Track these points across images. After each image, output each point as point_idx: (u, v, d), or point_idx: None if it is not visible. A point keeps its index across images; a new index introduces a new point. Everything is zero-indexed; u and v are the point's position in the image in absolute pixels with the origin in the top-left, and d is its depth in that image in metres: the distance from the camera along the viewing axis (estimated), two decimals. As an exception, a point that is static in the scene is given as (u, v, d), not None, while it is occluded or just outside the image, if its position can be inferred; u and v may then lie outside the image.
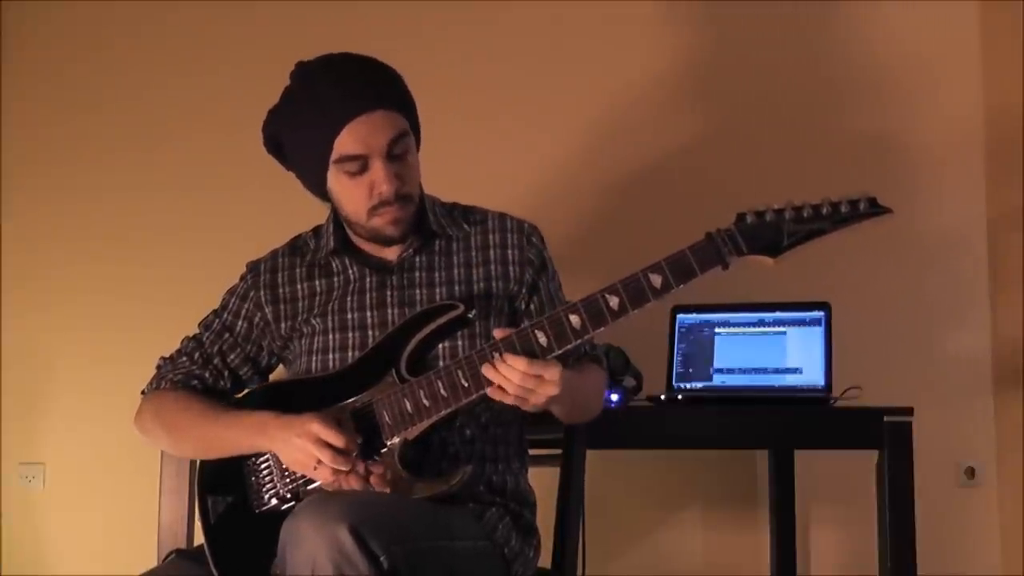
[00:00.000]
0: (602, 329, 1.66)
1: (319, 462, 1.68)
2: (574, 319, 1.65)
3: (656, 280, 1.64)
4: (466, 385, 1.68)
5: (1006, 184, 2.92)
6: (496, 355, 1.66)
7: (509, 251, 1.91)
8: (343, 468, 1.67)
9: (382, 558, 1.48)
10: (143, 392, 1.94)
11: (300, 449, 1.69)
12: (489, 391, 1.66)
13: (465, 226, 1.93)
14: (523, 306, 1.89)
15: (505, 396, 1.66)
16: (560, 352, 1.67)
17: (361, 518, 1.48)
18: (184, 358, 1.94)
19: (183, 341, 1.97)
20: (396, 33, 3.01)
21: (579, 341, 1.67)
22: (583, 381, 1.85)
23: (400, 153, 1.80)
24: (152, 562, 1.91)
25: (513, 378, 1.64)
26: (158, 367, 1.96)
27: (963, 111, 2.99)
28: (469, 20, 3.07)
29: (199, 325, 1.97)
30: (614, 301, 1.64)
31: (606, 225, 3.03)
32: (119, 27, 3.17)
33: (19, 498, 3.08)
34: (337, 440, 1.67)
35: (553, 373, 1.64)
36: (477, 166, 2.94)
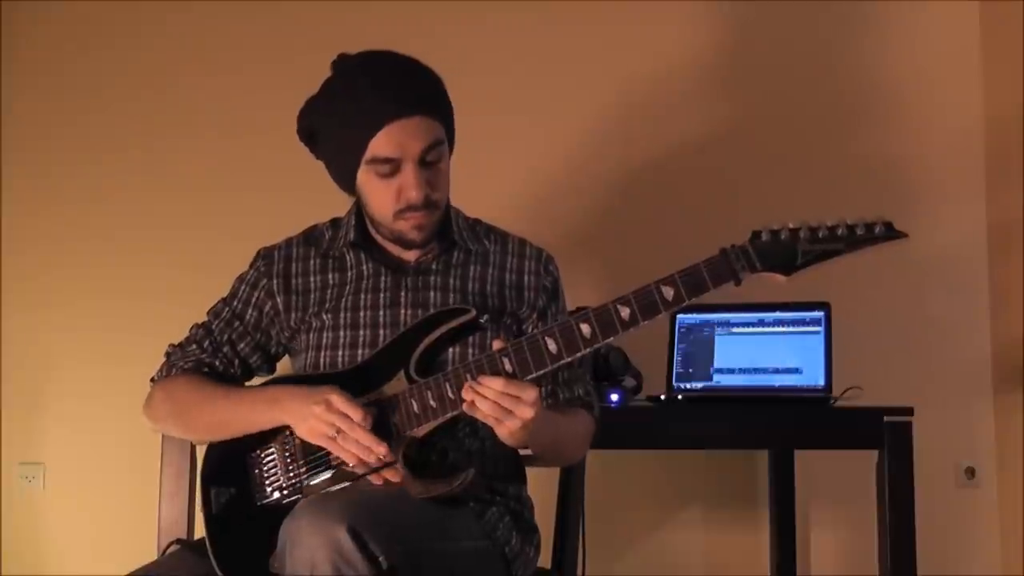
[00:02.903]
0: (612, 339, 1.66)
1: (338, 431, 1.67)
2: (584, 328, 1.65)
3: (668, 293, 1.64)
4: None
5: (1006, 187, 2.93)
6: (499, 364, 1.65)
7: (526, 276, 1.93)
8: (363, 440, 1.66)
9: (381, 559, 1.48)
10: (152, 380, 1.94)
11: (319, 417, 1.68)
12: (464, 407, 1.66)
13: (485, 243, 1.95)
14: (529, 329, 1.90)
15: (479, 413, 1.65)
16: (569, 360, 1.67)
17: (360, 519, 1.48)
18: (194, 346, 1.93)
19: (192, 328, 1.97)
20: (397, 33, 3.00)
21: (588, 349, 1.66)
22: (567, 422, 1.85)
23: (432, 161, 1.81)
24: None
25: (488, 396, 1.64)
26: (167, 354, 1.96)
27: (964, 112, 3.00)
28: (469, 19, 3.07)
29: (208, 313, 1.97)
30: (625, 312, 1.64)
31: (607, 225, 3.03)
32: (119, 27, 3.17)
33: (19, 498, 3.08)
34: (354, 412, 1.67)
35: (530, 395, 1.63)
36: (478, 165, 2.94)
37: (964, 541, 2.93)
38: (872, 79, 3.03)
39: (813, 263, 1.64)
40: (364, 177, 1.83)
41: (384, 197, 1.83)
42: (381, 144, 1.78)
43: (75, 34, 3.18)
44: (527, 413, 1.63)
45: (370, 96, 1.77)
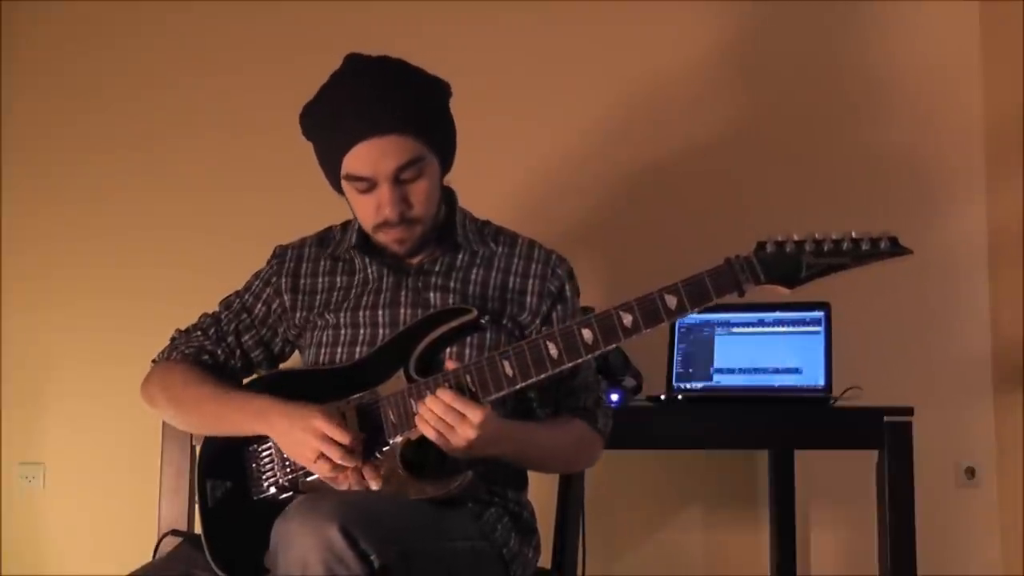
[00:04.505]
0: (613, 345, 1.66)
1: (319, 456, 1.68)
2: (586, 333, 1.65)
3: (671, 301, 1.64)
4: (472, 390, 1.68)
5: (1007, 186, 2.92)
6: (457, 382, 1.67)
7: (530, 281, 1.91)
8: (349, 465, 1.68)
9: (373, 557, 1.47)
10: (154, 360, 1.96)
11: (302, 443, 1.69)
12: (417, 420, 1.67)
13: (492, 245, 1.93)
14: (532, 335, 1.87)
15: (427, 429, 1.66)
16: (570, 365, 1.67)
17: (351, 518, 1.48)
18: (199, 332, 1.95)
19: (201, 316, 1.98)
20: (397, 33, 3.01)
21: (590, 355, 1.66)
22: (546, 435, 1.84)
23: (408, 178, 1.80)
24: (152, 562, 1.91)
25: (436, 409, 1.64)
26: (172, 339, 1.97)
27: (965, 112, 3.00)
28: (469, 19, 3.06)
29: (220, 303, 1.99)
30: (627, 319, 1.64)
31: (608, 225, 3.03)
32: (120, 27, 3.17)
33: (19, 498, 3.08)
34: (343, 437, 1.67)
35: (476, 415, 1.63)
36: (480, 165, 2.94)
37: (964, 541, 2.93)
38: (872, 79, 3.02)
39: (817, 277, 1.64)
40: (345, 188, 1.85)
41: (364, 211, 1.84)
42: (353, 163, 1.78)
43: (75, 34, 3.18)
44: (469, 433, 1.64)
45: (344, 113, 1.77)
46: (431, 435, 1.66)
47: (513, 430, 1.76)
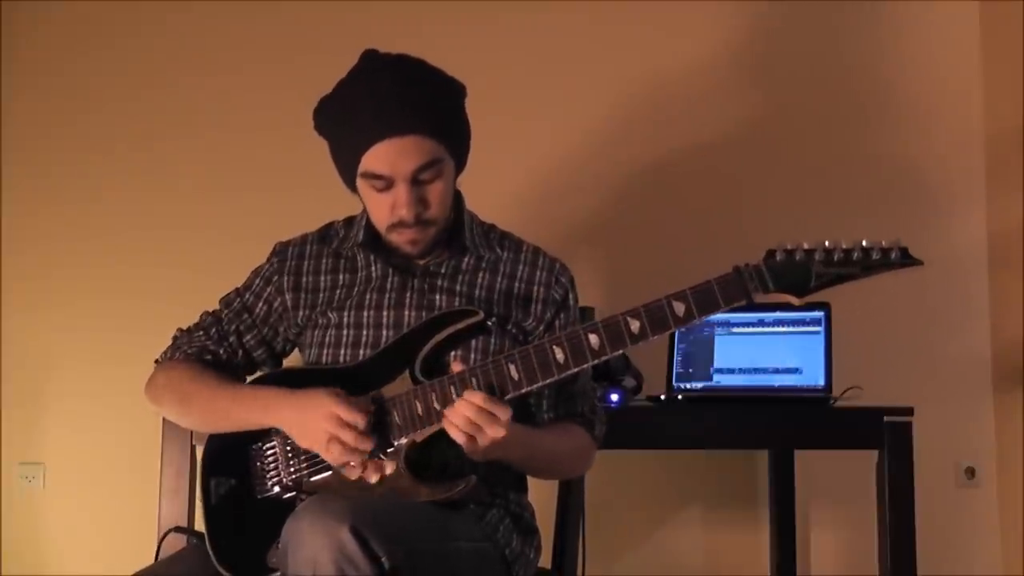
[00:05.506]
0: (620, 351, 1.66)
1: (332, 439, 1.67)
2: (593, 338, 1.65)
3: (679, 308, 1.63)
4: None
5: (1007, 188, 2.93)
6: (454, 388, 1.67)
7: (535, 287, 1.91)
8: (362, 448, 1.67)
9: (383, 559, 1.48)
10: (157, 361, 1.95)
11: (316, 427, 1.68)
12: (444, 423, 1.67)
13: (498, 250, 1.94)
14: (535, 341, 1.87)
15: (455, 432, 1.65)
16: (576, 370, 1.67)
17: (363, 519, 1.48)
18: (201, 332, 1.95)
19: (202, 315, 1.98)
20: (398, 33, 3.00)
21: (596, 361, 1.66)
22: (551, 440, 1.84)
23: (427, 179, 1.79)
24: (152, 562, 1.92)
25: (468, 412, 1.64)
26: (174, 338, 1.96)
27: (965, 113, 3.00)
28: (470, 19, 3.06)
29: (220, 301, 1.98)
30: (635, 325, 1.64)
31: (611, 225, 3.03)
32: (119, 27, 3.16)
33: (19, 498, 3.08)
34: (357, 419, 1.67)
35: (505, 413, 1.63)
36: (480, 164, 2.94)
37: (964, 541, 2.93)
38: (872, 81, 3.02)
39: (827, 286, 1.64)
40: (361, 187, 1.84)
41: (378, 209, 1.83)
42: (372, 161, 1.78)
43: (75, 34, 3.18)
44: (499, 433, 1.63)
45: (366, 111, 1.76)
46: (459, 438, 1.65)
47: (523, 435, 1.75)
